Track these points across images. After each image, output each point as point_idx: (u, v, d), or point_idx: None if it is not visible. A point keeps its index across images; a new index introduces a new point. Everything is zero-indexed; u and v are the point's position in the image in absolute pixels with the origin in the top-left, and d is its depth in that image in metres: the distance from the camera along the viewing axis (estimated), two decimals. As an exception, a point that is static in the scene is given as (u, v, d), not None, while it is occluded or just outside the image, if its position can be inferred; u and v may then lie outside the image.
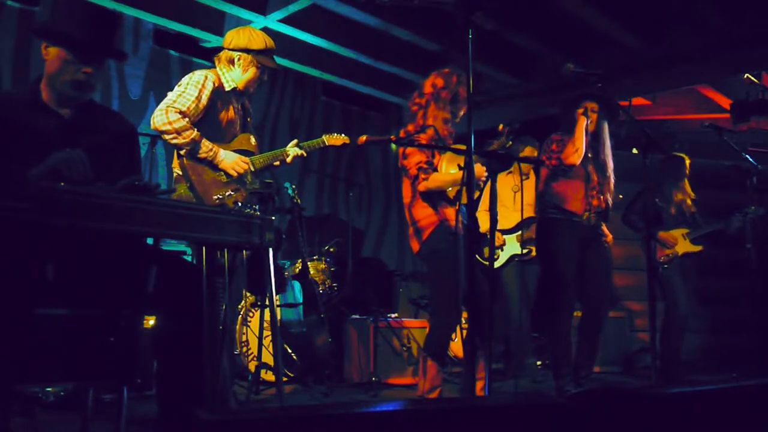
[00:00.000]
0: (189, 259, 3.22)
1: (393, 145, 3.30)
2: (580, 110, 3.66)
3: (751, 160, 3.93)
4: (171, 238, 2.13)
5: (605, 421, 1.29)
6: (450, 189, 3.15)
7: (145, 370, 2.98)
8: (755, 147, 4.39)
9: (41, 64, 2.11)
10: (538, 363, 5.75)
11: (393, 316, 4.67)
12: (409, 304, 5.46)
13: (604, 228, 3.76)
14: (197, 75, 3.07)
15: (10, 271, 1.71)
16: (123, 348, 1.91)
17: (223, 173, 3.06)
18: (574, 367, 3.67)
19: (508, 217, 4.55)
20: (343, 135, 3.51)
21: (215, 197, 2.83)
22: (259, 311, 4.08)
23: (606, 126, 3.78)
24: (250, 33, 3.20)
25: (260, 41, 3.18)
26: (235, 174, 3.07)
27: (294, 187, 4.45)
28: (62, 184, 1.76)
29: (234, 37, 3.18)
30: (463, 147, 2.73)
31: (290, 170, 6.55)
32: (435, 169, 3.16)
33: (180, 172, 3.03)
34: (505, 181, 4.74)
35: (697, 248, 4.51)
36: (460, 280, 2.94)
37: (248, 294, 4.24)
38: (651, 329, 2.99)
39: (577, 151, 3.59)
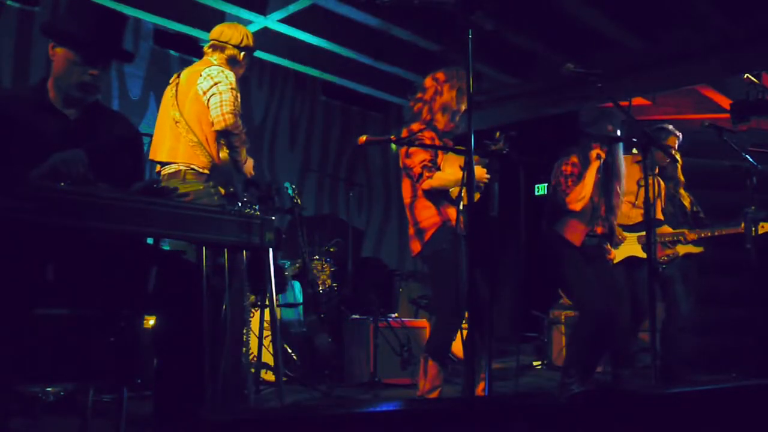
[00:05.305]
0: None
1: (393, 145, 3.28)
2: (594, 152, 3.57)
3: (751, 160, 3.92)
4: (171, 238, 2.13)
5: (605, 421, 1.29)
6: (452, 189, 3.15)
7: (145, 370, 2.99)
8: (755, 147, 4.38)
9: (41, 64, 2.12)
10: (536, 363, 5.75)
11: (393, 316, 4.67)
12: (409, 304, 5.46)
13: (608, 246, 3.75)
14: (231, 75, 2.93)
15: (10, 271, 1.71)
16: (123, 348, 1.91)
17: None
18: (583, 369, 3.67)
19: (629, 213, 4.17)
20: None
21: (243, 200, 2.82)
22: (259, 311, 4.08)
23: (620, 152, 3.69)
24: (245, 29, 3.13)
25: (252, 37, 3.11)
26: (249, 176, 3.03)
27: (294, 187, 4.45)
28: (62, 184, 1.76)
29: (244, 36, 3.08)
30: (464, 147, 2.72)
31: (290, 170, 6.58)
32: (439, 168, 3.15)
33: (206, 171, 2.88)
34: (632, 171, 4.03)
35: (698, 249, 4.50)
36: (462, 280, 2.94)
37: (248, 294, 4.24)
38: (651, 329, 2.99)
39: (582, 199, 3.54)
